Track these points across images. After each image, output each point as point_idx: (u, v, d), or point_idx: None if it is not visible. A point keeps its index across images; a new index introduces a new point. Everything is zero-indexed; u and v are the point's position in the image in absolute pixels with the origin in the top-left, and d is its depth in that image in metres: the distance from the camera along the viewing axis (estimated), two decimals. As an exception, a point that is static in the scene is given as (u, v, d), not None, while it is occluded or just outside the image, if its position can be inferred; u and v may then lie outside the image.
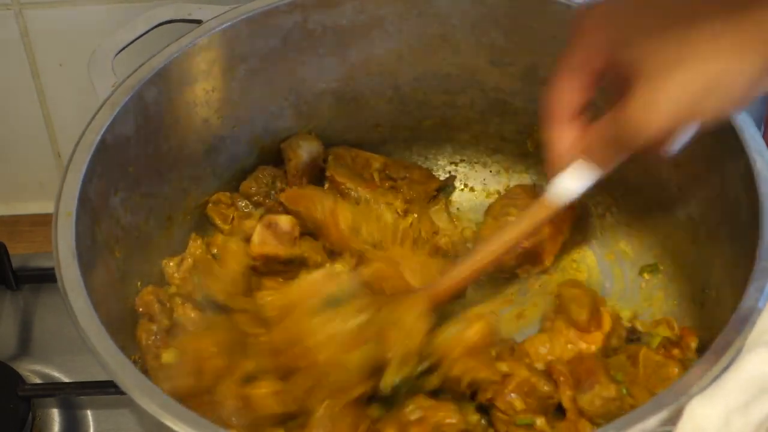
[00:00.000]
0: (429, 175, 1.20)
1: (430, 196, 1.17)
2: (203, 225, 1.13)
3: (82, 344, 0.81)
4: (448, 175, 1.22)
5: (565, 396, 0.94)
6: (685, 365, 0.94)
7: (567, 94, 0.83)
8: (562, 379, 0.94)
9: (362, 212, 1.08)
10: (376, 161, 1.17)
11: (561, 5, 1.03)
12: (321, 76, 1.11)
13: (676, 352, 0.97)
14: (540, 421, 0.94)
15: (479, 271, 0.94)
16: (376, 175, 1.16)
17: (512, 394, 0.94)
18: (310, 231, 1.08)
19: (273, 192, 1.13)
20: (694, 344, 0.97)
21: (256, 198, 1.13)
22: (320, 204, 1.07)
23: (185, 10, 1.03)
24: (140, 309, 1.01)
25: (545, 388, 0.94)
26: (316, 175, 1.15)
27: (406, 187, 1.16)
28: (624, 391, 0.93)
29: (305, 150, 1.13)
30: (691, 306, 1.03)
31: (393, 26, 1.08)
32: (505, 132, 1.18)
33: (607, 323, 0.99)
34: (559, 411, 0.95)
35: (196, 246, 1.08)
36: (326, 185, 1.13)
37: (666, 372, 0.94)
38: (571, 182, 0.85)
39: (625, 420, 0.74)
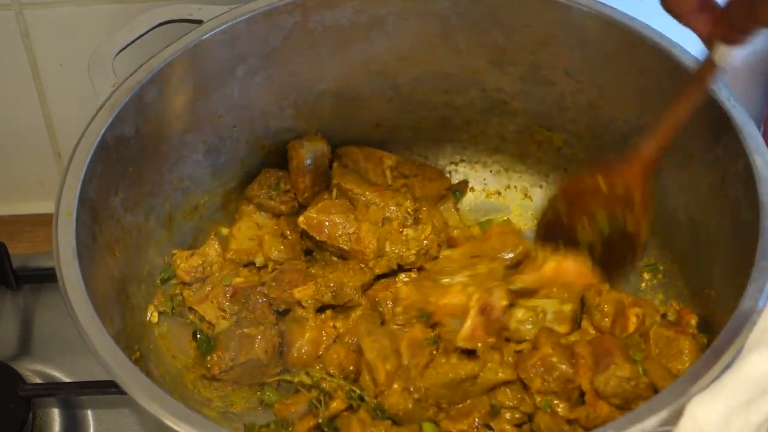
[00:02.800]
0: (441, 174, 1.20)
1: (440, 195, 1.18)
2: (204, 225, 1.13)
3: (82, 344, 0.81)
4: (451, 176, 1.23)
5: (585, 378, 0.94)
6: (696, 339, 0.95)
7: None
8: (582, 361, 0.95)
9: (385, 231, 1.08)
10: (389, 159, 1.17)
11: (561, 5, 1.03)
12: (321, 76, 1.11)
13: (678, 329, 0.98)
14: (562, 407, 0.95)
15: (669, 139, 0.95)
16: (388, 173, 1.16)
17: (533, 368, 0.95)
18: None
19: (276, 193, 1.14)
20: (693, 321, 0.99)
21: (257, 200, 1.14)
22: (344, 231, 1.08)
23: (185, 10, 1.03)
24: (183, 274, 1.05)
25: (562, 367, 0.94)
26: (321, 175, 1.15)
27: (418, 184, 1.16)
28: (640, 370, 0.94)
29: (308, 150, 1.13)
30: (690, 306, 1.03)
31: (393, 26, 1.08)
32: (505, 132, 1.18)
33: (632, 324, 0.99)
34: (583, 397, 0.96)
35: (211, 247, 1.09)
36: (334, 193, 1.14)
37: (677, 345, 0.95)
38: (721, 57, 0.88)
39: (625, 420, 0.74)
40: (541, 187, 1.20)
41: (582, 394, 0.95)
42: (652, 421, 0.73)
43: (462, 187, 1.22)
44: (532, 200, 1.21)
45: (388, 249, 1.07)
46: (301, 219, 1.09)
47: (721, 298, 0.95)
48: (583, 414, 0.94)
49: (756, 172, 0.89)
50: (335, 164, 1.16)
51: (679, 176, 1.04)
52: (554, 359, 0.95)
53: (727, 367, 0.75)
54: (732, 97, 0.94)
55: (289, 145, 1.14)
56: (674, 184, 1.05)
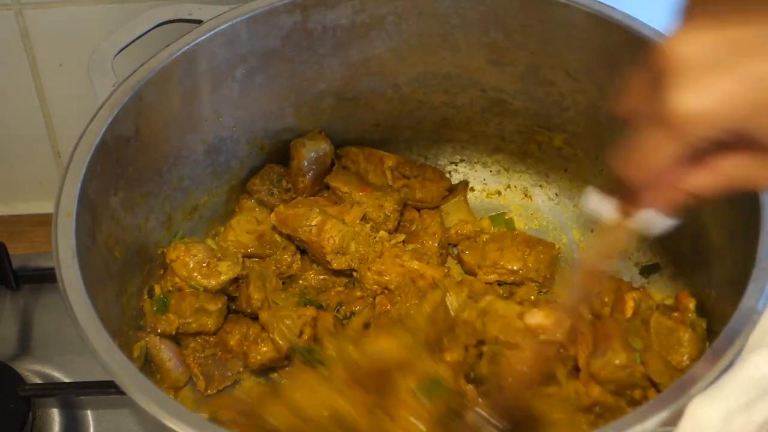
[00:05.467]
0: (442, 175, 1.20)
1: (442, 195, 1.18)
2: (204, 225, 1.13)
3: (82, 344, 0.81)
4: (451, 176, 1.23)
5: (581, 355, 0.95)
6: (695, 329, 0.95)
7: None
8: (581, 337, 0.95)
9: (353, 231, 1.08)
10: (389, 159, 1.18)
11: (561, 5, 1.02)
12: (321, 76, 1.11)
13: (676, 315, 0.98)
14: (559, 372, 0.95)
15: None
16: (388, 173, 1.17)
17: None
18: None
19: (277, 190, 1.14)
20: (692, 305, 0.98)
21: (258, 195, 1.14)
22: (307, 224, 1.08)
23: (185, 10, 1.03)
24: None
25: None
26: (322, 175, 1.15)
27: (418, 185, 1.17)
28: (637, 358, 0.94)
29: (309, 149, 1.14)
30: (691, 306, 1.03)
31: (393, 26, 1.08)
32: (505, 132, 1.18)
33: (629, 308, 1.00)
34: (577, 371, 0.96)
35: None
36: (326, 192, 1.15)
37: (677, 337, 0.95)
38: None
39: (625, 420, 0.74)
40: (541, 187, 1.20)
41: (576, 368, 0.96)
42: (653, 421, 0.73)
43: (462, 187, 1.22)
44: (532, 200, 1.21)
45: (352, 248, 1.08)
46: (272, 215, 1.11)
47: (721, 298, 0.95)
48: (573, 390, 0.94)
49: (756, 173, 0.89)
50: (336, 166, 1.16)
51: (679, 176, 1.03)
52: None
53: (728, 368, 0.75)
54: (732, 97, 0.94)
55: (291, 144, 1.15)
56: (674, 184, 1.05)
